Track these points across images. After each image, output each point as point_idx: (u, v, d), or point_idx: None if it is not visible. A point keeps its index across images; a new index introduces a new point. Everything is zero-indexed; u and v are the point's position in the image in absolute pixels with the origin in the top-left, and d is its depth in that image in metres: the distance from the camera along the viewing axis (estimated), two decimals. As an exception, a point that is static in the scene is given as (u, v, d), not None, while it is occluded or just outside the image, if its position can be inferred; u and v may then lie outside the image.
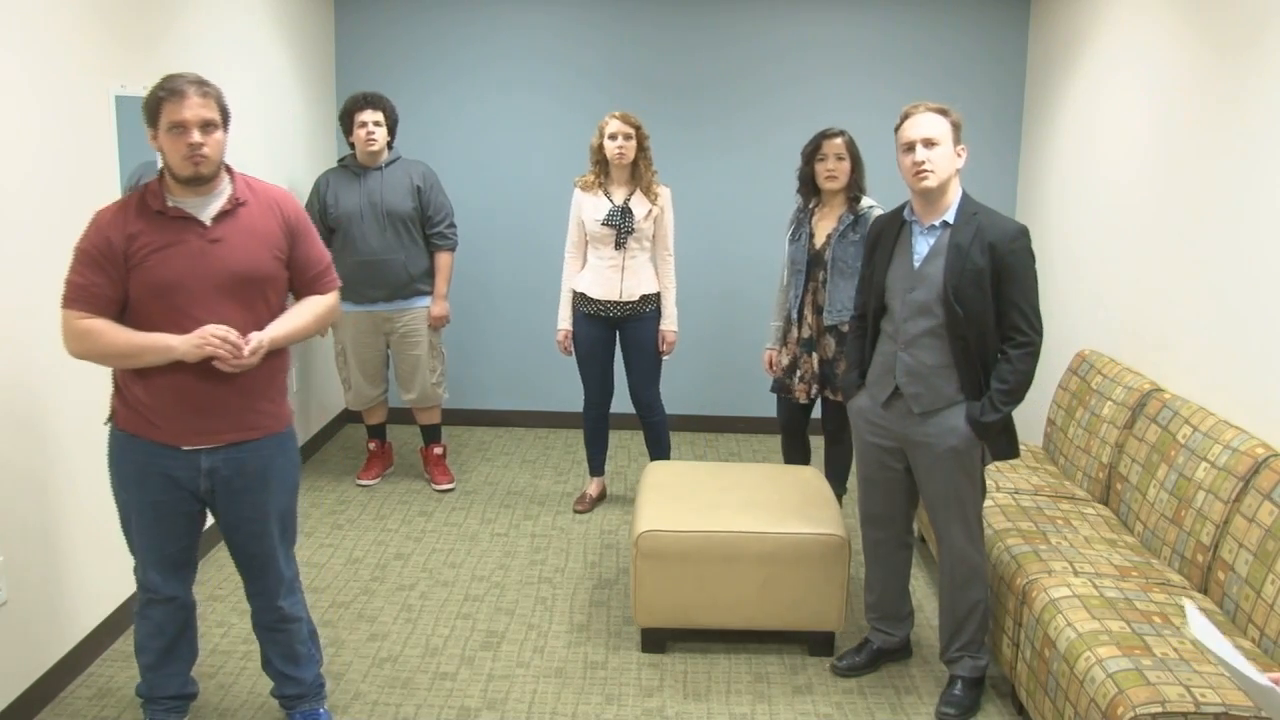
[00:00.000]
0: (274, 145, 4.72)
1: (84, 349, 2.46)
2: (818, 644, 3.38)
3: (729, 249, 5.59)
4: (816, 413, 4.20)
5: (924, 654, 3.40)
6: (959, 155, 2.87)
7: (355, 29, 5.51)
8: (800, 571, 3.27)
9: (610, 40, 5.48)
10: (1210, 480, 2.97)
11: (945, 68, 5.42)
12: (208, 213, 2.50)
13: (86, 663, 3.20)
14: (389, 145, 4.57)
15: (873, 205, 3.89)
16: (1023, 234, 2.84)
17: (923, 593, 3.82)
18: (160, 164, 2.50)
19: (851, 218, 3.86)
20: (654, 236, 4.31)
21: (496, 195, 5.58)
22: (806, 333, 3.97)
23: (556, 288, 4.47)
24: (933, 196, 2.87)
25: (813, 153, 3.89)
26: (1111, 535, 3.28)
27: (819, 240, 3.91)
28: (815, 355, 3.97)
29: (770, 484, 3.66)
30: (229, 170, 2.57)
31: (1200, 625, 1.88)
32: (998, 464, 3.56)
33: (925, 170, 2.81)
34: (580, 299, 4.35)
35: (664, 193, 4.30)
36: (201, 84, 2.45)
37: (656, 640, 3.39)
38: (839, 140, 3.85)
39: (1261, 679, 1.73)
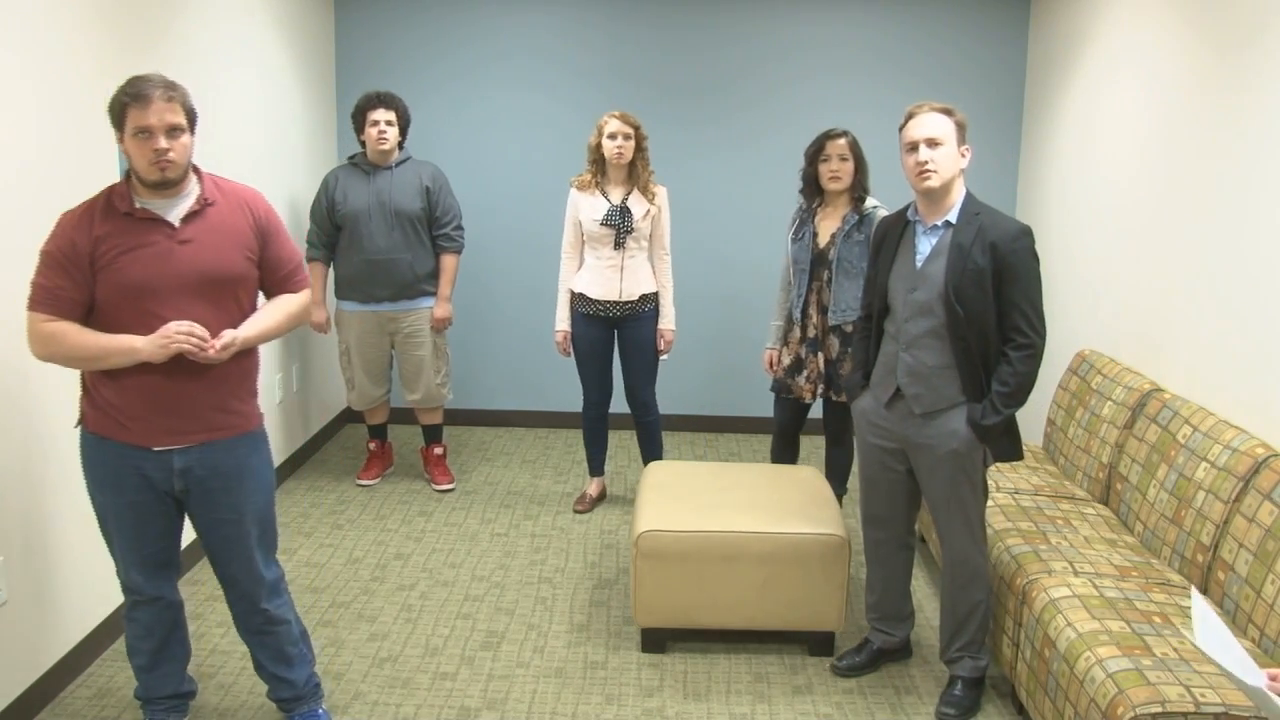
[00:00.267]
0: (274, 145, 4.72)
1: (48, 352, 2.44)
2: (818, 644, 3.38)
3: (729, 249, 5.59)
4: (813, 413, 4.19)
5: (924, 654, 3.40)
6: (963, 155, 2.86)
7: (355, 29, 5.51)
8: (800, 571, 3.27)
9: (610, 40, 5.48)
10: (1210, 480, 2.97)
11: (945, 68, 5.42)
12: (176, 214, 2.48)
13: (86, 663, 3.20)
14: (400, 145, 4.57)
15: (877, 205, 3.88)
16: (1025, 234, 2.83)
17: (923, 593, 3.81)
18: (125, 166, 2.48)
19: (856, 217, 3.85)
20: (651, 236, 4.31)
21: (496, 195, 5.58)
22: (812, 332, 3.96)
23: (556, 287, 4.47)
24: (936, 196, 2.86)
25: (816, 153, 3.88)
26: (1111, 535, 3.28)
27: (823, 239, 3.90)
28: (820, 355, 3.97)
29: (770, 484, 3.65)
30: (196, 171, 2.55)
31: (1202, 612, 1.88)
32: (998, 464, 3.56)
33: (928, 170, 2.80)
34: (579, 299, 4.35)
35: (661, 192, 4.30)
36: (168, 87, 2.41)
37: (656, 640, 3.39)
38: (842, 141, 3.85)
39: (1251, 680, 1.73)
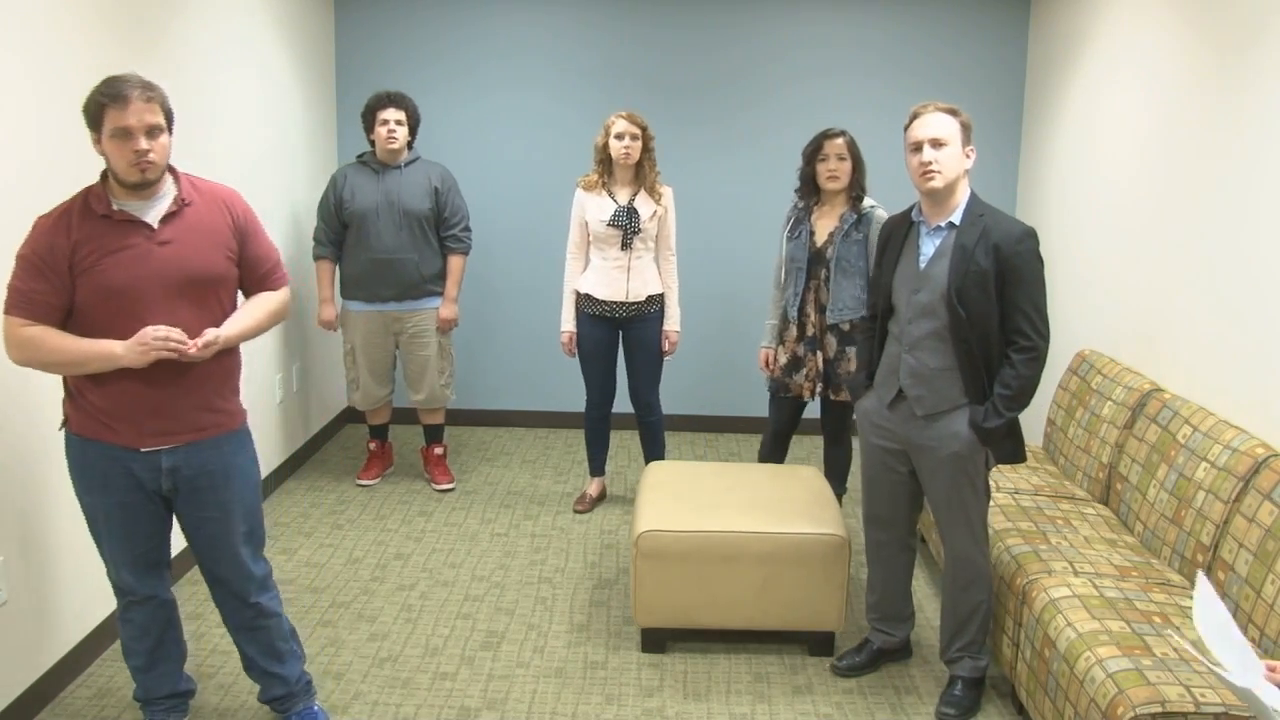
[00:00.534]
0: (274, 145, 4.72)
1: (26, 357, 2.43)
2: (818, 644, 3.38)
3: (729, 249, 5.59)
4: (808, 414, 4.20)
5: (924, 654, 3.40)
6: (968, 156, 2.85)
7: (355, 29, 5.51)
8: (800, 571, 3.27)
9: (610, 39, 5.48)
10: (1210, 480, 2.97)
11: (945, 68, 5.42)
12: (154, 215, 2.47)
13: (86, 663, 3.20)
14: (409, 145, 4.57)
15: (874, 205, 3.89)
16: (1029, 236, 2.82)
17: (923, 593, 3.81)
18: (103, 168, 2.47)
19: (855, 216, 3.86)
20: (657, 237, 4.31)
21: (496, 195, 5.58)
22: (810, 331, 3.97)
23: (557, 287, 4.47)
24: (940, 197, 2.86)
25: (814, 152, 3.89)
26: (1111, 535, 3.28)
27: (820, 238, 3.90)
28: (819, 354, 3.97)
29: (770, 484, 3.65)
30: (172, 171, 2.53)
31: (1206, 595, 1.87)
32: (998, 465, 3.56)
33: (932, 171, 2.80)
34: (585, 300, 4.35)
35: (667, 193, 4.30)
36: (146, 87, 2.38)
37: (656, 640, 3.39)
38: (840, 140, 3.85)
39: (1238, 680, 1.72)
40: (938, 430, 2.92)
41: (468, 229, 4.66)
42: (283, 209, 4.81)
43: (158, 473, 2.55)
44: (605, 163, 4.26)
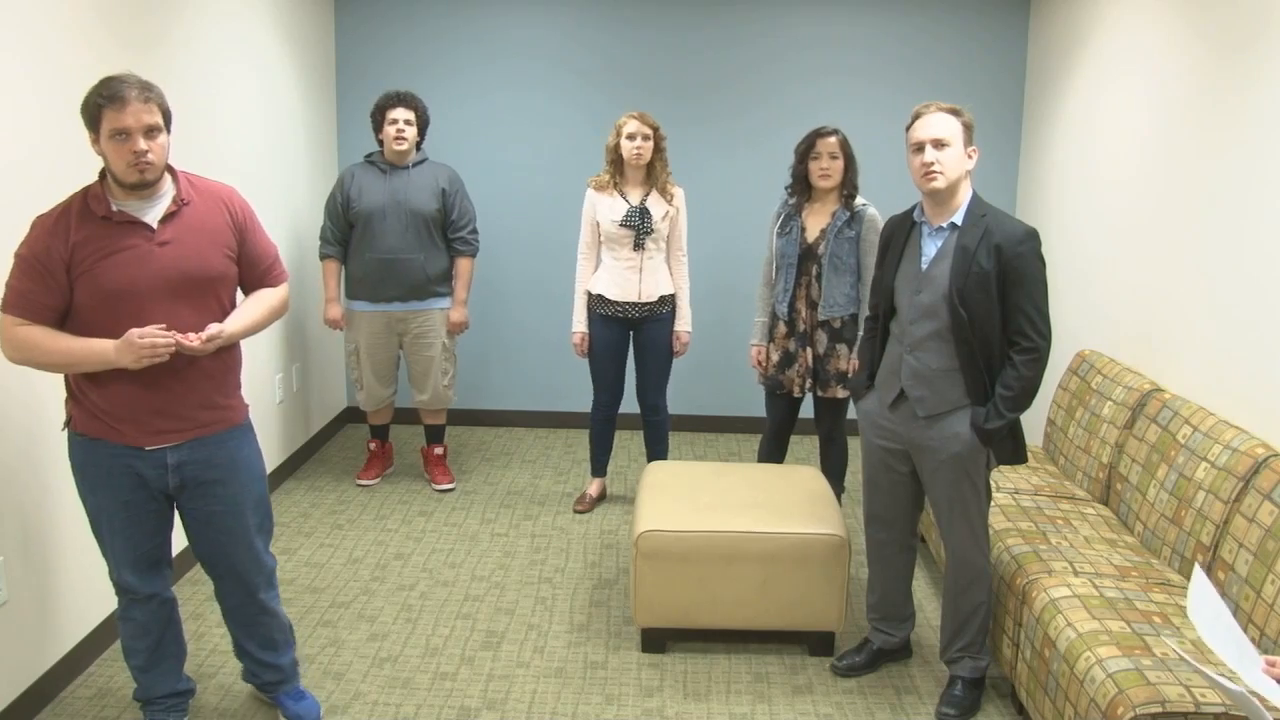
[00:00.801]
0: (274, 145, 4.72)
1: (21, 356, 2.44)
2: (818, 644, 3.38)
3: (730, 248, 5.59)
4: (805, 413, 4.20)
5: (924, 654, 3.40)
6: (970, 157, 2.84)
7: (355, 29, 5.51)
8: (800, 571, 3.27)
9: (610, 40, 5.48)
10: (1210, 480, 2.97)
11: (945, 68, 5.42)
12: (153, 215, 2.47)
13: (86, 663, 3.20)
14: (418, 146, 4.57)
15: (865, 204, 3.91)
16: (1030, 237, 2.81)
17: (924, 593, 3.81)
18: (101, 168, 2.47)
19: (847, 214, 3.87)
20: (669, 237, 4.31)
21: (496, 195, 5.58)
22: (801, 327, 3.98)
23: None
24: (942, 198, 2.85)
25: (806, 150, 3.90)
26: (1111, 535, 3.28)
27: (811, 235, 3.92)
28: (809, 350, 3.98)
29: (770, 484, 3.65)
30: (171, 170, 2.53)
31: (1201, 587, 1.87)
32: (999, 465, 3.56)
33: (934, 171, 2.79)
34: (597, 301, 4.34)
35: (679, 193, 4.30)
36: (144, 87, 2.37)
37: (656, 640, 3.39)
38: (833, 139, 3.87)
39: (1235, 685, 1.72)
40: (939, 431, 2.92)
41: (475, 231, 4.66)
42: (283, 209, 4.81)
43: (163, 470, 2.55)
44: (617, 163, 4.25)
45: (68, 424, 2.58)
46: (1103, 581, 2.90)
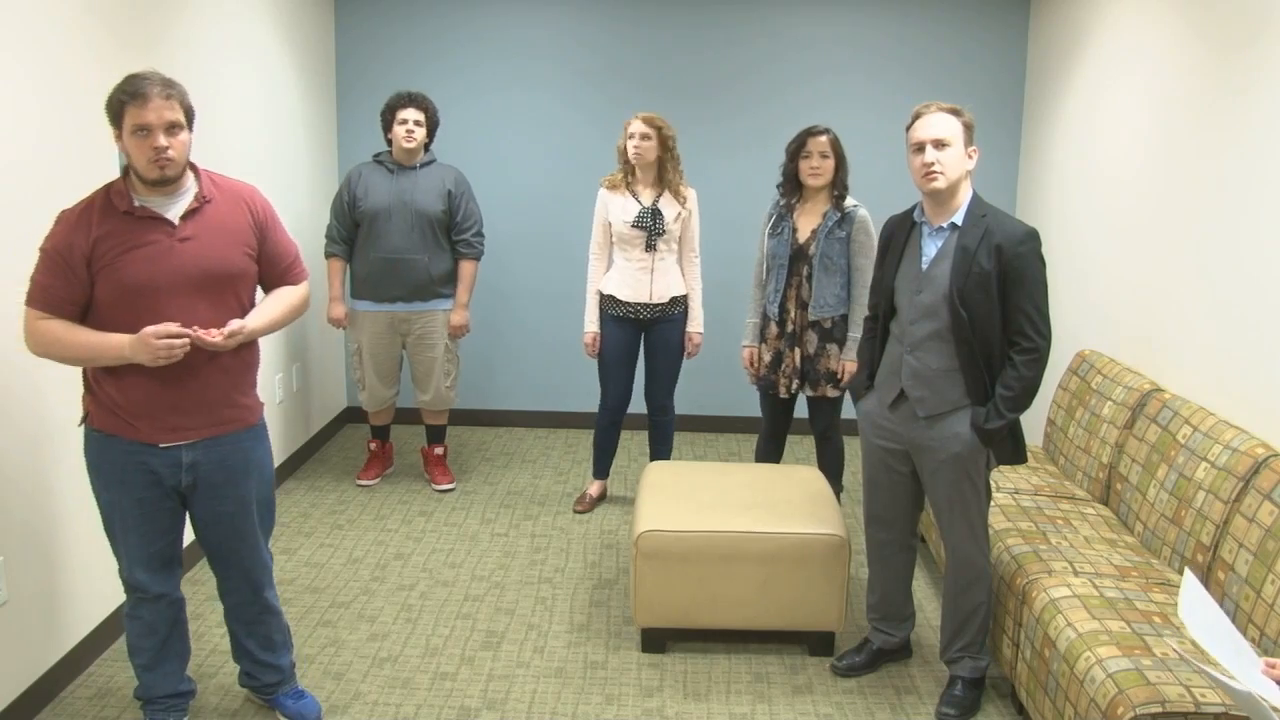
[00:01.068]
0: (274, 145, 4.72)
1: (42, 350, 2.47)
2: (818, 644, 3.38)
3: (730, 248, 5.58)
4: (801, 413, 4.20)
5: (924, 654, 3.40)
6: (970, 157, 2.84)
7: (355, 29, 5.51)
8: (800, 571, 3.27)
9: (610, 39, 5.48)
10: (1210, 480, 2.97)
11: (945, 68, 5.42)
12: (175, 211, 2.49)
13: (86, 663, 3.20)
14: (426, 147, 4.57)
15: (856, 205, 3.92)
16: (1031, 237, 2.81)
17: (924, 593, 3.81)
18: (124, 164, 2.49)
19: (837, 215, 3.88)
20: (681, 238, 4.31)
21: (496, 195, 5.57)
22: (790, 327, 3.98)
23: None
24: (942, 198, 2.85)
25: (797, 149, 3.91)
26: (1111, 535, 3.28)
27: (802, 235, 3.92)
28: (797, 350, 3.99)
29: (770, 484, 3.65)
30: (193, 168, 2.55)
31: (1193, 590, 1.87)
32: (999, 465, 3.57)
33: (934, 172, 2.79)
34: (608, 301, 4.34)
35: (691, 195, 4.30)
36: (166, 84, 2.40)
37: (656, 640, 3.39)
38: (824, 138, 3.87)
39: (1237, 685, 1.72)
40: (939, 431, 2.92)
41: (480, 234, 4.65)
42: (282, 209, 4.73)
43: (178, 468, 2.57)
44: (628, 164, 4.26)
45: (84, 420, 2.59)
46: (1103, 581, 2.91)
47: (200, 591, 3.70)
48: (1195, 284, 3.52)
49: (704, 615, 3.33)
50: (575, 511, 4.59)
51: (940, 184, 2.80)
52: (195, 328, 2.45)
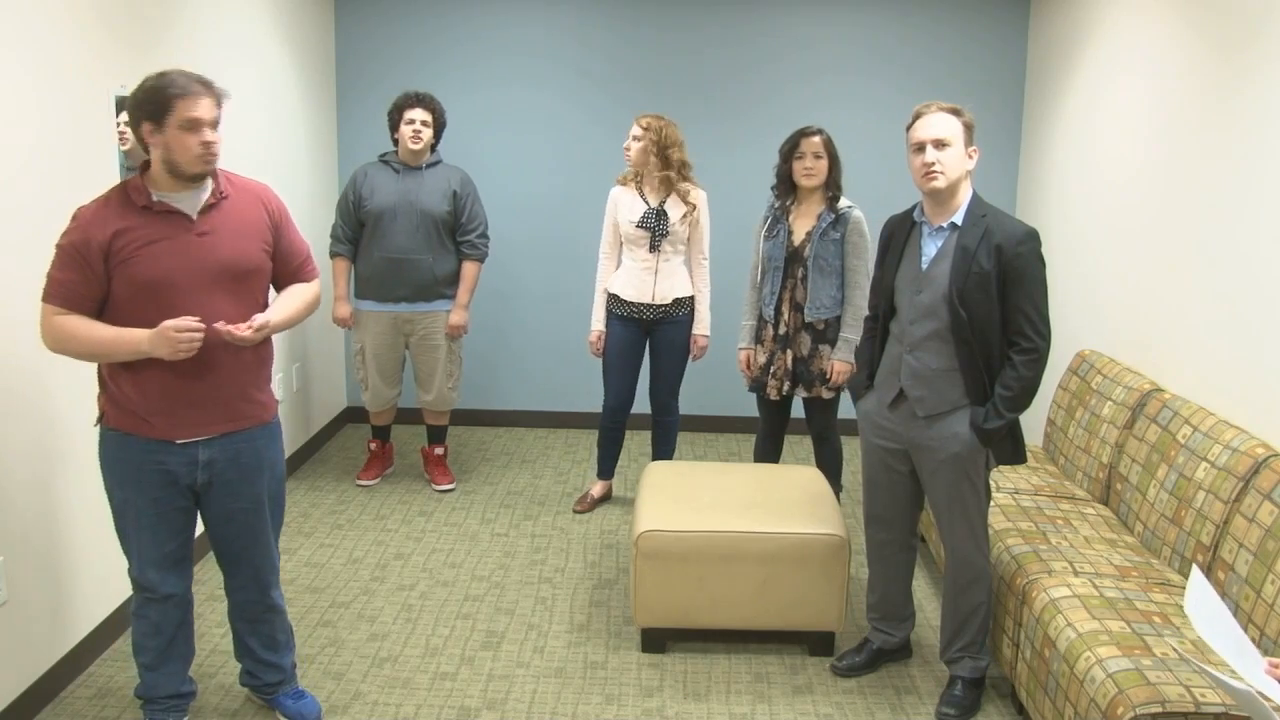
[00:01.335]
0: (274, 145, 4.71)
1: (59, 346, 2.47)
2: (818, 644, 3.38)
3: (730, 248, 5.58)
4: (799, 413, 4.20)
5: (924, 654, 3.40)
6: (970, 157, 2.84)
7: (355, 29, 5.51)
8: (800, 571, 3.27)
9: (610, 38, 5.48)
10: (1210, 480, 2.97)
11: (945, 68, 5.42)
12: (193, 206, 2.51)
13: (86, 663, 3.20)
14: (433, 148, 4.57)
15: (851, 206, 3.92)
16: (1030, 237, 2.81)
17: (923, 593, 3.81)
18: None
19: (832, 216, 3.88)
20: (689, 240, 4.30)
21: (495, 194, 5.56)
22: (783, 329, 3.98)
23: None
24: (942, 198, 2.85)
25: (791, 150, 3.91)
26: (1111, 535, 3.28)
27: (798, 237, 3.92)
28: (790, 352, 3.99)
29: (770, 484, 3.66)
30: None
31: (1200, 587, 1.86)
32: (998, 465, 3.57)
33: (934, 171, 2.79)
34: (614, 300, 4.34)
35: (699, 197, 4.28)
36: (207, 82, 2.45)
37: (656, 640, 3.39)
38: (817, 139, 3.87)
39: (1238, 684, 1.72)
40: (938, 431, 2.92)
41: (484, 236, 4.65)
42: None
43: (194, 466, 2.57)
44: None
45: (100, 420, 2.59)
46: (1103, 581, 2.91)
47: (201, 591, 3.70)
48: (1195, 284, 3.52)
49: (704, 615, 3.33)
50: (575, 511, 4.59)
51: (940, 184, 2.80)
52: (222, 322, 2.46)
